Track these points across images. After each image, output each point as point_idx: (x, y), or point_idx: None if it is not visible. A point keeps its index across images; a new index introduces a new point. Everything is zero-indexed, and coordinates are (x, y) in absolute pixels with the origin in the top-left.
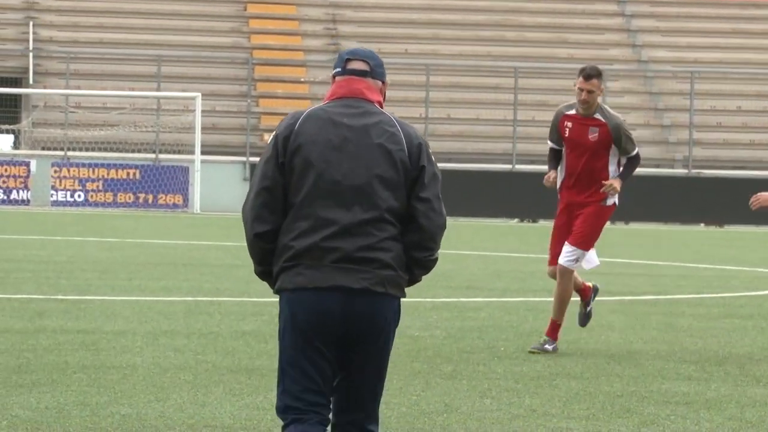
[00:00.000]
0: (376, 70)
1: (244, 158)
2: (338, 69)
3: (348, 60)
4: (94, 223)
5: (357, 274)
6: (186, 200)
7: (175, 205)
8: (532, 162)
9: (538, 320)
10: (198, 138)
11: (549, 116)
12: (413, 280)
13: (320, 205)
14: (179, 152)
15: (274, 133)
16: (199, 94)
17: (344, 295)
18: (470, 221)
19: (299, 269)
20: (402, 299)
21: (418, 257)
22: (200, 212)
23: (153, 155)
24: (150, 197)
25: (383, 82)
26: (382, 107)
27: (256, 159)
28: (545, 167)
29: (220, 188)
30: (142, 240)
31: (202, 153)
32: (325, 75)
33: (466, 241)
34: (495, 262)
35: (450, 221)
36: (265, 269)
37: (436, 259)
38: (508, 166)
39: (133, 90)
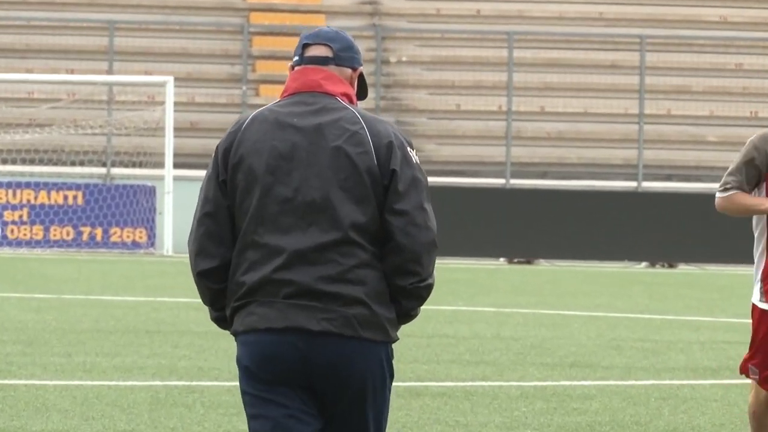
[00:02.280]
0: (341, 55)
1: None
2: (296, 58)
3: (306, 46)
4: (15, 271)
5: (317, 313)
6: (151, 236)
7: (135, 244)
8: (668, 178)
9: (676, 414)
10: (169, 143)
11: (694, 110)
12: (405, 315)
13: (269, 228)
14: (142, 165)
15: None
16: (171, 77)
17: (302, 339)
18: (576, 265)
19: (252, 308)
20: (394, 342)
21: (402, 285)
22: (172, 254)
23: (103, 169)
24: (98, 232)
25: (353, 69)
26: (352, 100)
27: None
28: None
29: None
30: (87, 296)
31: (176, 166)
32: (360, 47)
33: (568, 293)
34: (613, 327)
35: (555, 266)
36: (220, 315)
37: (429, 285)
38: (633, 184)
39: (74, 73)
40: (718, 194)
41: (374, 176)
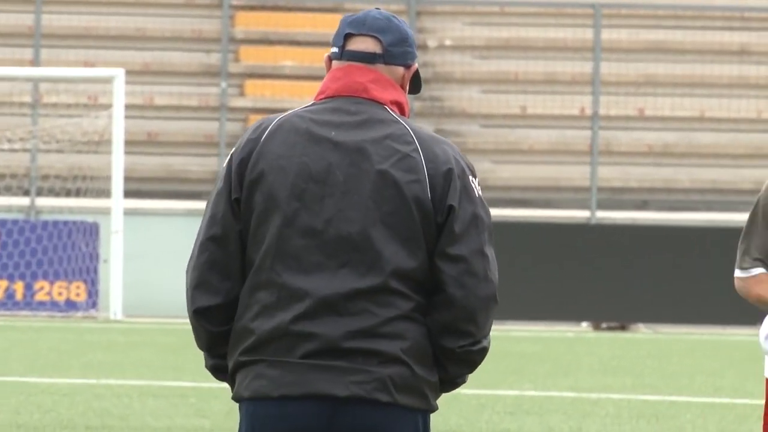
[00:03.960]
0: (392, 51)
1: None
2: (335, 49)
3: (349, 36)
4: None
5: (345, 376)
6: (93, 293)
7: (70, 304)
8: None
9: None
10: (118, 163)
11: None
12: (450, 382)
13: (289, 266)
14: (79, 193)
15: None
16: (121, 70)
17: (326, 408)
18: (690, 331)
19: (260, 367)
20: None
21: (450, 348)
22: (122, 318)
23: (25, 199)
24: (18, 287)
25: (407, 67)
26: (403, 110)
27: None
28: None
29: (167, 268)
30: (4, 378)
31: (128, 194)
32: None
33: (678, 372)
34: (742, 419)
35: (659, 334)
36: (218, 363)
37: (484, 349)
38: None
39: None
40: (737, 273)
41: (426, 211)
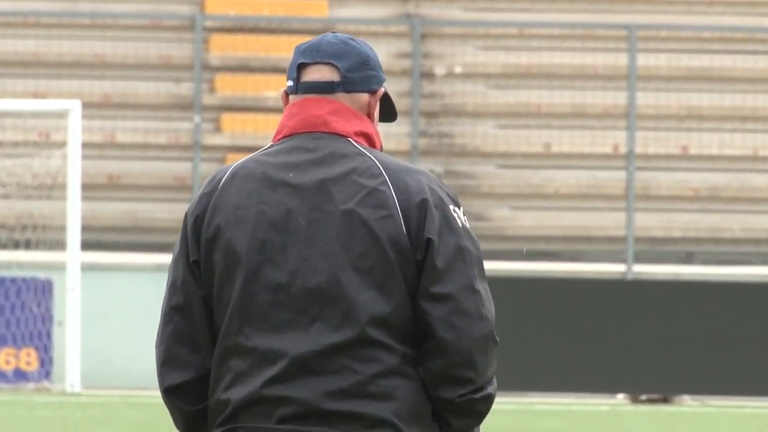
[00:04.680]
0: (351, 77)
1: None
2: (290, 83)
3: (302, 66)
4: None
5: None
6: (46, 361)
7: (19, 374)
8: None
9: None
10: (75, 211)
11: None
12: None
13: (258, 327)
14: (29, 245)
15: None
16: (78, 102)
17: None
18: (744, 403)
19: None
20: None
21: (449, 399)
22: (81, 391)
23: None
24: None
25: (371, 92)
26: (372, 142)
27: None
28: None
29: (132, 332)
30: None
31: (86, 247)
32: (384, 51)
33: None
34: None
35: (707, 407)
36: None
37: (488, 396)
38: None
39: None
40: None
41: (402, 249)
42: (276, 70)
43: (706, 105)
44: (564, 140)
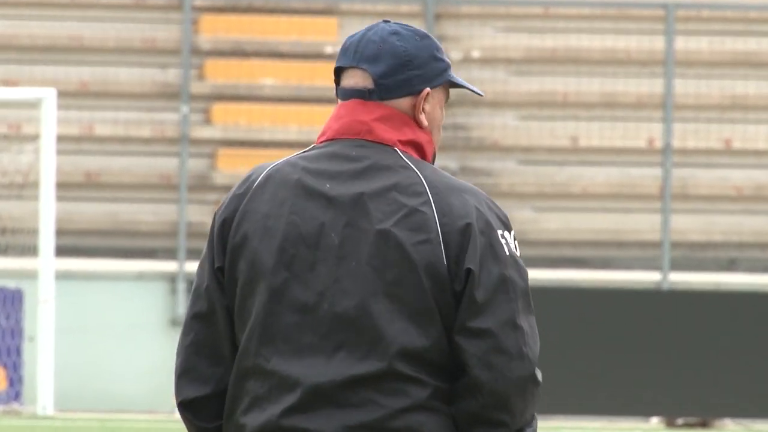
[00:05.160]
0: (385, 84)
1: (173, 265)
2: (336, 82)
3: (339, 69)
4: None
5: None
6: (15, 381)
7: None
8: None
9: None
10: (48, 213)
11: None
12: None
13: (278, 349)
14: None
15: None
16: (53, 91)
17: None
18: None
19: None
20: None
21: None
22: (54, 414)
23: None
24: None
25: (416, 94)
26: (423, 152)
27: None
28: None
29: (111, 348)
30: None
31: (61, 253)
32: None
33: None
34: None
35: None
36: None
37: None
38: None
39: None
40: None
41: (440, 278)
42: (273, 54)
43: (752, 94)
44: (593, 133)
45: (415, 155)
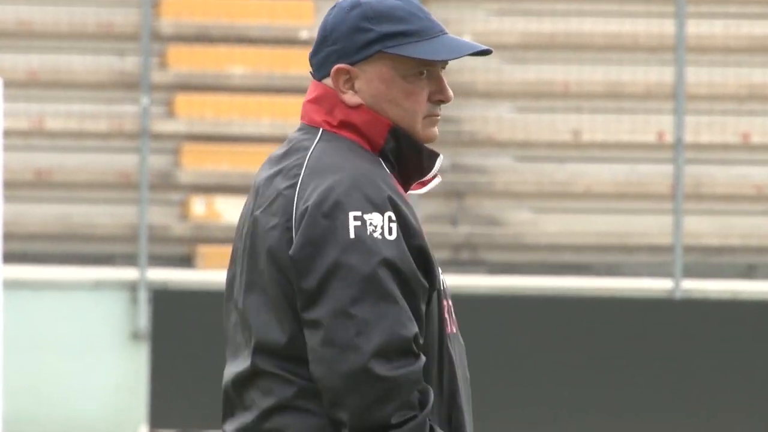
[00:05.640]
0: (314, 62)
1: (133, 273)
2: None
3: None
4: None
5: None
6: None
7: None
8: None
9: None
10: None
11: None
12: None
13: (228, 351)
14: None
15: None
16: (0, 80)
17: None
18: None
19: None
20: None
21: None
22: None
23: None
24: None
25: (333, 70)
26: (357, 129)
27: (166, 273)
28: None
29: (66, 364)
30: None
31: (9, 259)
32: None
33: None
34: None
35: None
36: None
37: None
38: None
39: None
40: None
41: (282, 265)
42: (242, 40)
43: None
44: (597, 127)
45: (352, 136)
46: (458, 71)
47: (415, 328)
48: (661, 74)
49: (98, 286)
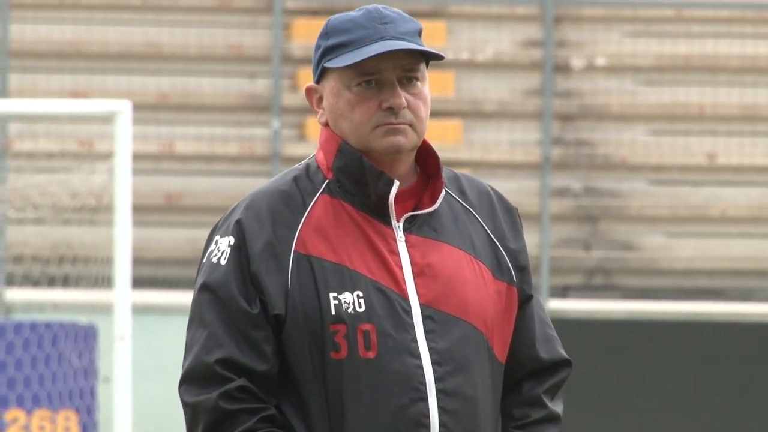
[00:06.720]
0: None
1: None
2: None
3: None
4: None
5: None
6: (90, 426)
7: None
8: None
9: None
10: (124, 240)
11: None
12: None
13: None
14: (68, 283)
15: None
16: (128, 104)
17: None
18: None
19: None
20: None
21: None
22: None
23: None
24: None
25: (304, 91)
26: (321, 152)
27: None
28: None
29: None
30: None
31: (140, 285)
32: (509, 39)
33: None
34: None
35: None
36: None
37: None
38: None
39: None
40: None
41: None
42: None
43: None
44: (732, 150)
45: (319, 156)
46: (591, 94)
47: (222, 353)
48: None
49: None
